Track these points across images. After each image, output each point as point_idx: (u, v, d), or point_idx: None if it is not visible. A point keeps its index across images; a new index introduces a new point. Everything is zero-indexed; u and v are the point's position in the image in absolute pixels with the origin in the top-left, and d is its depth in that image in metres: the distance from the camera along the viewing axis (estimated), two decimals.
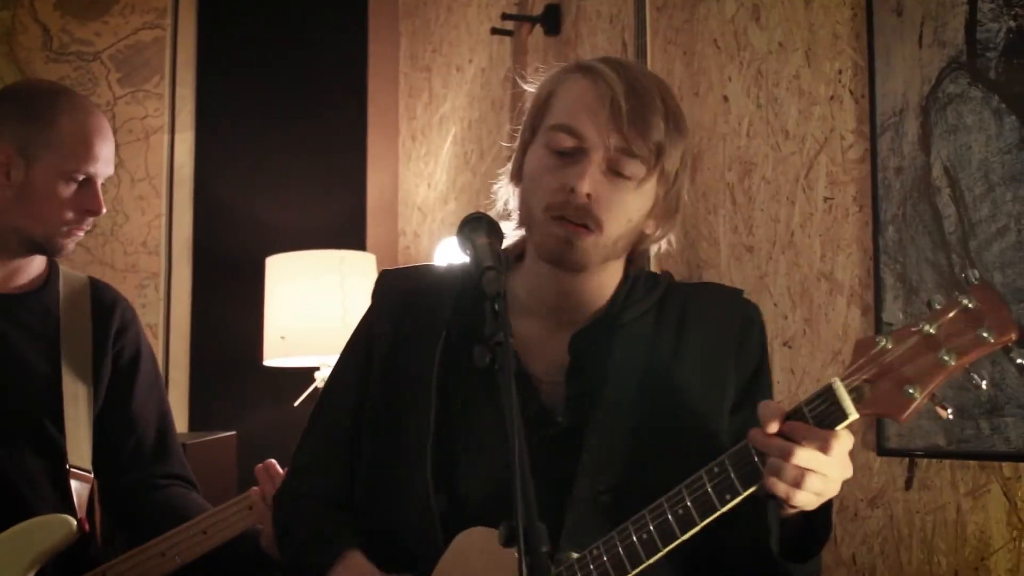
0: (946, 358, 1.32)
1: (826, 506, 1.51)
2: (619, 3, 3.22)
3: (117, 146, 4.28)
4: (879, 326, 2.25)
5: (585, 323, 1.69)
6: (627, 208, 1.62)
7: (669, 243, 1.78)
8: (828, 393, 1.40)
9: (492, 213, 1.75)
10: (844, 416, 1.39)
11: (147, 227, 4.34)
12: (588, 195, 1.58)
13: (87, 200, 2.39)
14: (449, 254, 3.72)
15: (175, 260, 4.39)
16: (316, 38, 4.60)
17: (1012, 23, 2.01)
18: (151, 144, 4.37)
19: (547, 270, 1.68)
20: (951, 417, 1.37)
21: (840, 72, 2.43)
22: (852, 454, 2.30)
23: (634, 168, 1.60)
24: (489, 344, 1.43)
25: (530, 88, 1.75)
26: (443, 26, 4.41)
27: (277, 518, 1.87)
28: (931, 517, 2.15)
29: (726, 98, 2.76)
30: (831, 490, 1.46)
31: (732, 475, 1.45)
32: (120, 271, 4.29)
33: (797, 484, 1.42)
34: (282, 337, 3.80)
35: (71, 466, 2.36)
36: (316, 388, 3.74)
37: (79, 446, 2.38)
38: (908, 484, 2.21)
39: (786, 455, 1.41)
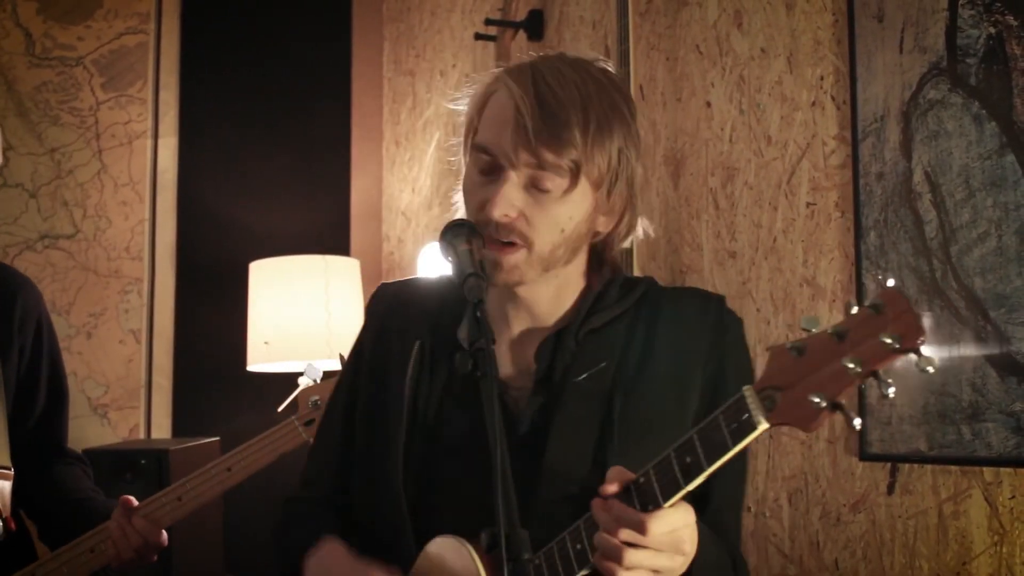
0: (851, 365, 1.24)
1: None
2: (602, 8, 3.23)
3: (100, 151, 4.31)
4: None
5: (552, 330, 1.68)
6: (555, 219, 1.59)
7: (647, 234, 1.74)
8: (740, 402, 1.32)
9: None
10: (754, 426, 1.30)
11: (130, 232, 4.33)
12: (505, 215, 1.57)
13: None
14: (432, 259, 3.73)
15: (158, 265, 4.38)
16: (300, 43, 4.60)
17: (992, 29, 2.02)
18: (134, 149, 4.36)
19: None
20: (858, 427, 1.27)
21: (822, 78, 2.44)
22: (835, 459, 2.33)
23: (554, 182, 1.58)
24: (471, 350, 1.43)
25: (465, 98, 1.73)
26: (427, 31, 4.41)
27: (280, 521, 1.88)
28: (913, 522, 2.16)
29: (709, 103, 2.77)
30: (670, 569, 1.40)
31: (586, 543, 1.44)
32: (103, 276, 4.28)
33: (618, 560, 1.37)
34: (266, 343, 3.79)
35: None
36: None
37: None
38: (890, 489, 2.22)
39: (611, 530, 1.38)
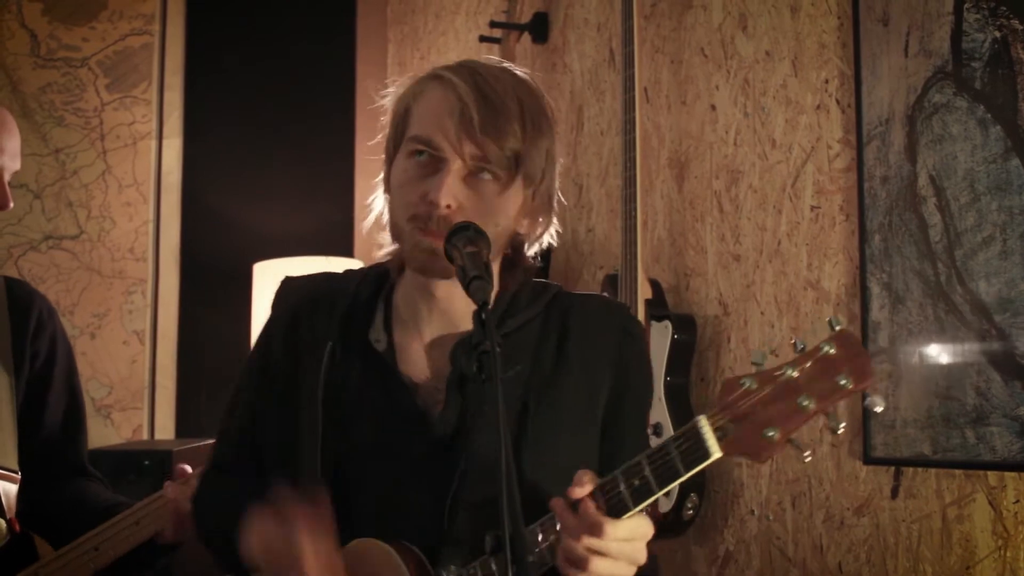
0: (805, 403, 1.33)
1: None
2: (606, 11, 3.23)
3: (104, 152, 4.32)
4: (865, 334, 2.26)
5: (467, 333, 1.66)
6: (491, 213, 1.62)
7: (552, 238, 1.77)
8: (693, 431, 1.38)
9: (367, 224, 1.77)
10: (707, 455, 1.37)
11: (134, 233, 4.34)
12: (448, 206, 1.59)
13: None
14: None
15: (162, 266, 4.38)
16: (305, 45, 4.60)
17: (997, 33, 2.02)
18: (139, 150, 4.37)
19: (420, 280, 1.69)
20: (808, 459, 1.34)
21: (827, 81, 2.43)
22: (838, 462, 2.32)
23: (494, 175, 1.61)
24: (476, 353, 1.43)
25: (387, 100, 1.77)
26: (431, 33, 4.41)
27: (197, 508, 1.87)
28: (917, 526, 2.16)
29: (713, 107, 2.77)
30: (623, 575, 1.46)
31: (549, 542, 1.47)
32: (107, 277, 4.28)
33: (582, 567, 1.42)
34: None
35: None
36: None
37: (4, 446, 2.32)
38: (894, 493, 2.22)
39: (576, 535, 1.42)
